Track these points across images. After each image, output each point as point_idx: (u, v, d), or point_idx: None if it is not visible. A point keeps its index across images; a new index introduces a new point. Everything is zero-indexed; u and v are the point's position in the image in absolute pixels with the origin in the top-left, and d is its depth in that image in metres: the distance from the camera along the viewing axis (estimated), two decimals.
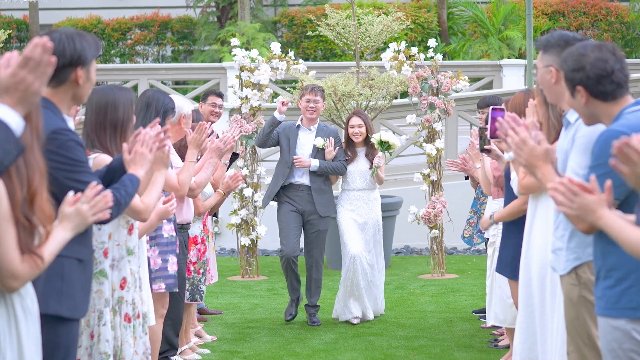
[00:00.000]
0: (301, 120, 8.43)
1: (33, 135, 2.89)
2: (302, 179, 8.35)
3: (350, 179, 8.43)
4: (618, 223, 3.08)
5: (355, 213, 8.39)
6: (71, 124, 3.63)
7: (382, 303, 8.65)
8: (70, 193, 3.10)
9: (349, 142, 8.47)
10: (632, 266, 3.31)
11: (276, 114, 8.16)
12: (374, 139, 8.26)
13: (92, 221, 3.12)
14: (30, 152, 2.89)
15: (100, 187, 3.20)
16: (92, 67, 3.61)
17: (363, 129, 8.38)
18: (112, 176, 3.94)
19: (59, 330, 3.51)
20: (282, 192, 8.41)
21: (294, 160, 8.27)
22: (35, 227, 2.94)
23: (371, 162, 8.38)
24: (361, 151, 8.46)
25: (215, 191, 7.21)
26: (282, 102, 8.13)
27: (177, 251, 6.00)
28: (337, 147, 8.34)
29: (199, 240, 7.03)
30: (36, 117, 2.92)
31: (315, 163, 8.30)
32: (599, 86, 3.43)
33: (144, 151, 3.93)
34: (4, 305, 2.91)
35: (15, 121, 2.66)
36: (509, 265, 5.77)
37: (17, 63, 2.67)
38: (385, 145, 8.23)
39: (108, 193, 3.20)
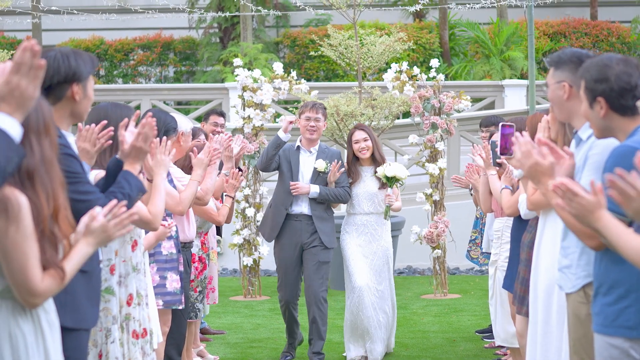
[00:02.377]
0: (300, 141, 7.65)
1: (52, 150, 2.95)
2: (301, 207, 7.52)
3: (357, 201, 7.63)
4: (618, 227, 3.07)
5: (363, 239, 7.59)
6: (70, 139, 3.65)
7: (393, 339, 7.84)
8: (97, 208, 3.11)
9: (353, 160, 7.67)
10: (634, 285, 3.30)
11: (281, 133, 7.46)
12: (379, 174, 7.61)
13: (116, 237, 3.12)
14: (51, 166, 2.93)
15: (125, 202, 3.21)
16: (88, 83, 3.67)
17: (369, 143, 7.57)
18: (113, 180, 3.94)
19: (65, 342, 3.50)
20: None
21: (291, 187, 7.46)
22: (59, 240, 2.97)
23: (379, 179, 7.65)
24: (367, 170, 7.68)
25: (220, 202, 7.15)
26: (290, 121, 7.41)
27: (181, 269, 5.98)
28: (342, 170, 7.55)
29: (197, 258, 7.01)
30: (54, 132, 2.98)
31: (315, 189, 7.46)
32: (621, 99, 3.41)
33: (142, 145, 3.93)
34: (31, 320, 2.95)
35: (14, 128, 2.69)
36: (514, 283, 5.78)
37: (9, 70, 2.71)
38: (393, 181, 7.62)
39: (133, 210, 3.19)
